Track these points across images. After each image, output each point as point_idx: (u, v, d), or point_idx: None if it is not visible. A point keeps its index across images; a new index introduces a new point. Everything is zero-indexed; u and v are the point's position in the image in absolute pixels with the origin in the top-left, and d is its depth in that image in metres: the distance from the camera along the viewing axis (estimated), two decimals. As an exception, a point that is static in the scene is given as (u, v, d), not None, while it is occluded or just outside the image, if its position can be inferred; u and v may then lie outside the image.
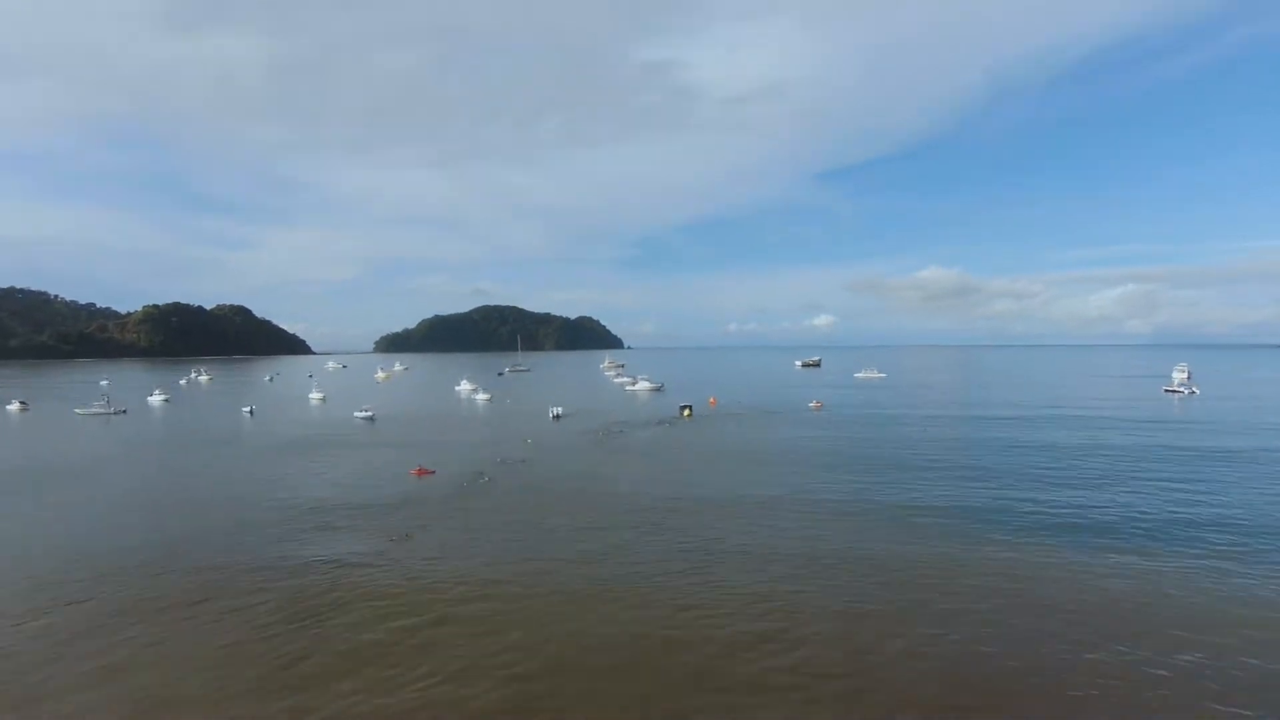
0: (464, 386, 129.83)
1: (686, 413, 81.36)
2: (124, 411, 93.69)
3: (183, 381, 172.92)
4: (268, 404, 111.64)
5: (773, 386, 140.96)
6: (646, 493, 40.48)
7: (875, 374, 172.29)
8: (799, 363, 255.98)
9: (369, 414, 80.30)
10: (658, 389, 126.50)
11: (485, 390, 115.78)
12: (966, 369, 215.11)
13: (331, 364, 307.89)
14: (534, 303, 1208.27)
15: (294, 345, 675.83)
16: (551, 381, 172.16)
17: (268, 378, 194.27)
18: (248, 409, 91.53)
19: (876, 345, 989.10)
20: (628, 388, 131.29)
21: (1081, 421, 71.03)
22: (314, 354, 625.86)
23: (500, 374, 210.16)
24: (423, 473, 48.03)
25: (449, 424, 78.33)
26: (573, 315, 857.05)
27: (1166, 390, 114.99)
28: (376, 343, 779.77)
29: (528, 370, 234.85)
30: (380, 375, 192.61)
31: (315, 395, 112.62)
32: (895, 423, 73.55)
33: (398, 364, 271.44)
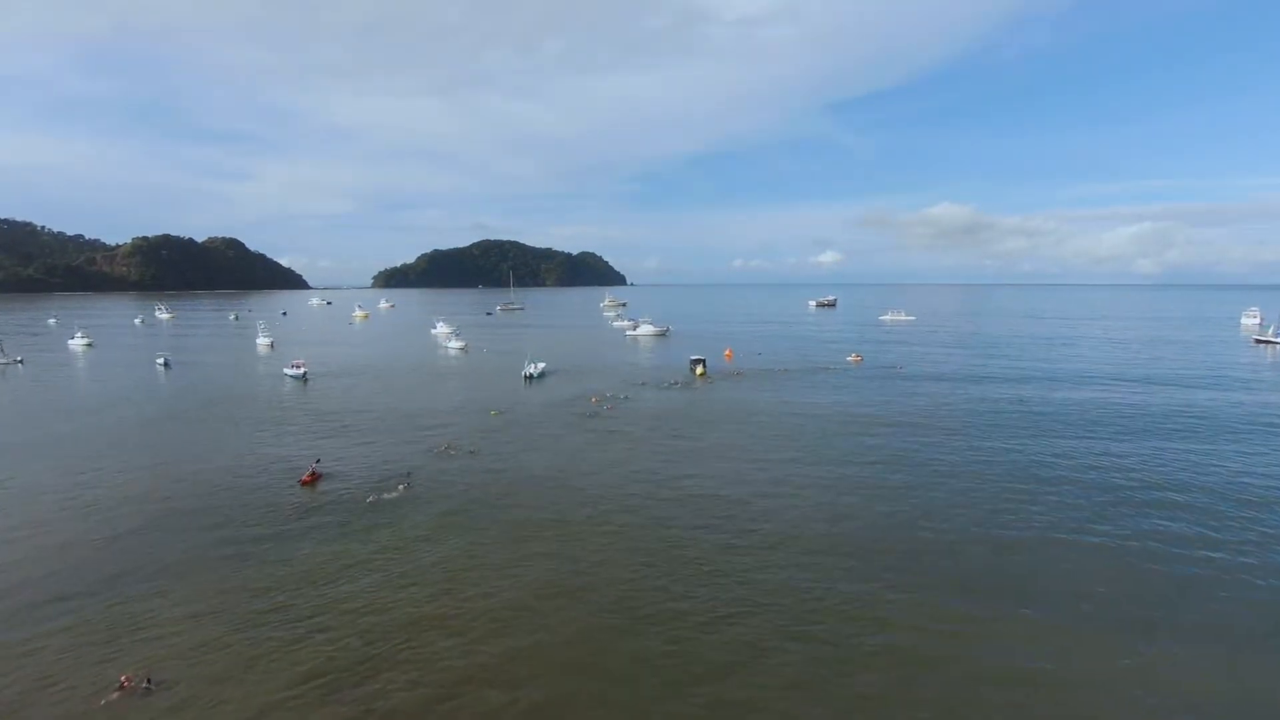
0: (439, 330, 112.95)
1: (699, 370, 65.18)
2: (20, 361, 77.93)
3: (137, 320, 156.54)
4: (212, 349, 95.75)
5: (792, 332, 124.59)
6: (645, 548, 24.65)
7: (903, 316, 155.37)
8: (813, 302, 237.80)
9: (300, 371, 64.10)
10: (662, 334, 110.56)
11: (461, 336, 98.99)
12: (1000, 314, 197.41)
13: (315, 300, 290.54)
14: (536, 238, 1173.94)
15: (289, 279, 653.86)
16: (545, 323, 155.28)
17: (232, 315, 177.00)
18: (161, 360, 75.32)
19: (885, 283, 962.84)
20: (628, 332, 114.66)
21: (1216, 418, 53.89)
22: (310, 288, 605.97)
23: (489, 314, 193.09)
24: (313, 479, 32.36)
25: (402, 383, 62.31)
26: (574, 251, 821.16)
27: (1258, 341, 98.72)
28: (375, 278, 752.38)
29: (521, 309, 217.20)
30: (358, 315, 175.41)
31: (262, 342, 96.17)
32: (976, 394, 57.25)
33: (383, 301, 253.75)
